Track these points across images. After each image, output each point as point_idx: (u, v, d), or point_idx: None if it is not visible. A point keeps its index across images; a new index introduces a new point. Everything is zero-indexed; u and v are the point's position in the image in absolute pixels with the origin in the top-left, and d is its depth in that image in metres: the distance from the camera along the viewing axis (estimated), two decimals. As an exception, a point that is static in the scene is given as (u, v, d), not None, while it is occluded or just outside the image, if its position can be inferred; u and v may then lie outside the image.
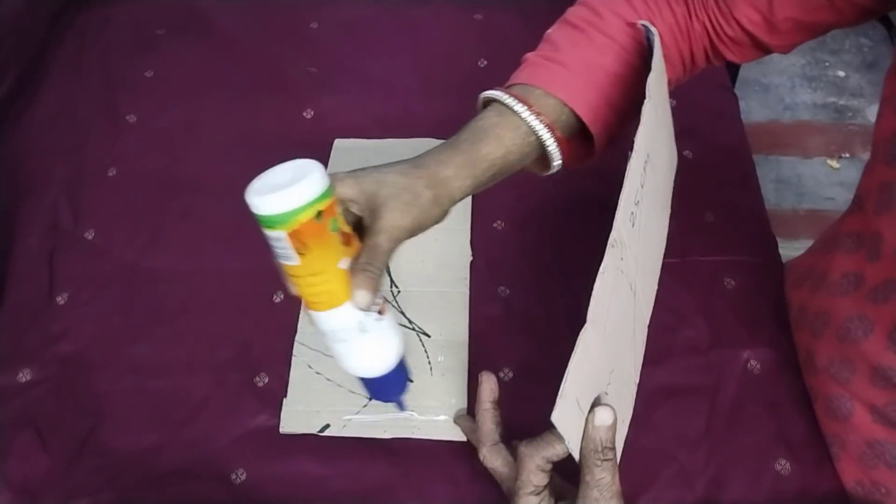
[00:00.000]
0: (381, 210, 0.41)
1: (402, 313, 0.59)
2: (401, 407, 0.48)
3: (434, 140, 0.70)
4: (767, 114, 1.58)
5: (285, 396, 0.55)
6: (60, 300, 0.61)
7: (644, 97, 0.44)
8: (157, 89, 0.76)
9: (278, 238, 0.37)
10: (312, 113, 0.73)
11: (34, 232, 0.65)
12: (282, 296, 0.61)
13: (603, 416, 0.40)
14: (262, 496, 0.51)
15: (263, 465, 0.53)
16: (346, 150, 0.69)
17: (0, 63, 0.74)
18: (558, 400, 0.36)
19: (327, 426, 0.54)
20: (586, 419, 0.40)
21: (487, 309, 0.60)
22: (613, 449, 0.40)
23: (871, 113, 1.58)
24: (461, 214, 0.65)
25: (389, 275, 0.61)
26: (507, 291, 0.61)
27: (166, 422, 0.55)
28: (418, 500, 0.51)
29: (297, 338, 0.58)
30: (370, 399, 0.52)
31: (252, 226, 0.66)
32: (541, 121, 0.46)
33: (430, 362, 0.57)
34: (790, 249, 0.64)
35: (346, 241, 0.39)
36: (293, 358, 0.57)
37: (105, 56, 0.79)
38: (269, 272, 0.62)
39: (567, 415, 0.38)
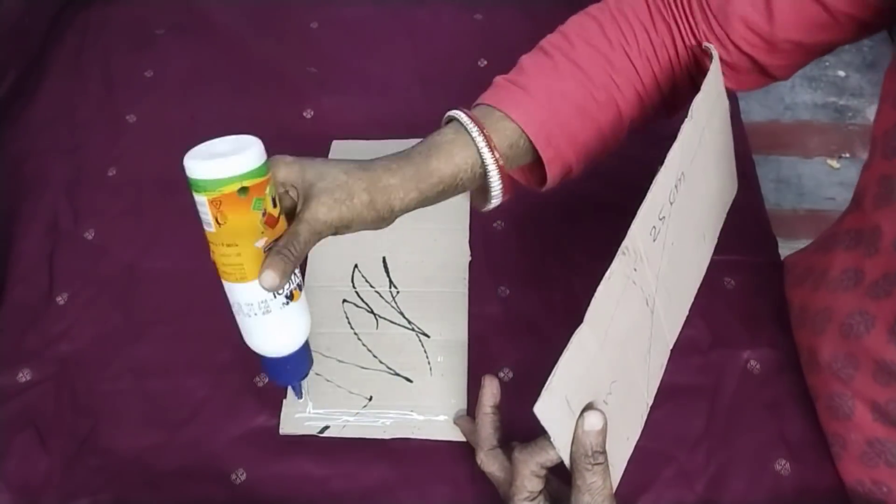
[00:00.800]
0: (312, 201, 0.41)
1: (402, 314, 0.59)
2: (297, 393, 0.49)
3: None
4: (767, 114, 1.58)
5: (285, 397, 0.55)
6: (60, 300, 0.61)
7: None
8: (157, 89, 0.76)
9: (201, 203, 0.39)
10: (312, 113, 0.73)
11: (34, 232, 0.65)
12: (282, 296, 0.61)
13: (592, 421, 0.40)
14: (262, 496, 0.51)
15: (263, 466, 0.53)
16: (344, 151, 0.69)
17: (0, 63, 0.74)
18: (543, 392, 0.36)
19: (327, 427, 0.54)
20: (576, 423, 0.40)
21: (487, 309, 0.60)
22: (604, 453, 0.40)
23: (872, 113, 1.58)
24: (460, 214, 0.65)
25: (388, 275, 0.61)
26: (506, 291, 0.61)
27: (166, 422, 0.55)
28: (418, 500, 0.51)
29: None
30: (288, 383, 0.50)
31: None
32: (488, 145, 0.45)
33: (429, 362, 0.57)
34: (790, 249, 0.64)
35: (271, 222, 0.40)
36: None
37: (105, 56, 0.79)
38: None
39: (553, 410, 0.38)
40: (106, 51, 0.79)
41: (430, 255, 0.62)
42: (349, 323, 0.59)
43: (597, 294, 0.39)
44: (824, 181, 1.48)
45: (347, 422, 0.54)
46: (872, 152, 0.48)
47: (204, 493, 0.51)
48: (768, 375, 0.56)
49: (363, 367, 0.57)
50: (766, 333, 0.58)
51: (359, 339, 0.58)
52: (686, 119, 0.45)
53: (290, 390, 0.55)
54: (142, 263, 0.63)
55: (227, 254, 0.40)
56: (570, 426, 0.40)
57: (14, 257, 0.64)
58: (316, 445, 0.53)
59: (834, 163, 1.51)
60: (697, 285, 0.57)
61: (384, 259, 0.62)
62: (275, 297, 0.41)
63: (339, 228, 0.43)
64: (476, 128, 0.46)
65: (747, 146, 0.71)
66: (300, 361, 0.46)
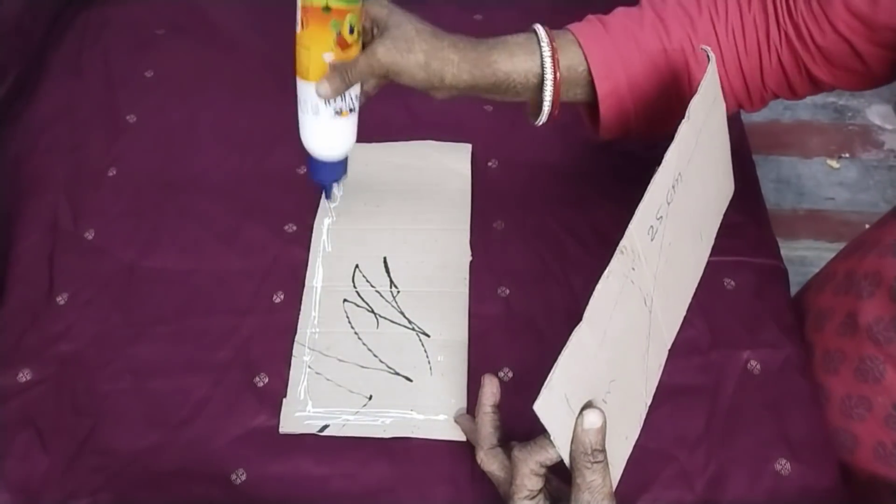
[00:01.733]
0: (377, 40, 0.48)
1: (402, 313, 0.59)
2: (328, 195, 0.57)
3: (434, 141, 0.70)
4: (767, 114, 1.58)
5: (285, 396, 0.55)
6: (60, 300, 0.61)
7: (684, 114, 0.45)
8: (157, 89, 0.76)
9: (298, 5, 0.47)
10: (312, 113, 0.73)
11: (34, 232, 0.65)
12: (282, 295, 0.61)
13: (591, 419, 0.40)
14: (262, 496, 0.51)
15: (263, 466, 0.53)
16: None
17: (0, 63, 0.74)
18: (543, 390, 0.36)
19: (327, 426, 0.54)
20: (575, 422, 0.40)
21: (487, 309, 0.60)
22: (604, 451, 0.40)
23: (871, 113, 1.58)
24: (461, 214, 0.65)
25: (389, 275, 0.61)
26: (506, 291, 0.61)
27: (166, 422, 0.55)
28: (418, 500, 0.51)
29: (296, 338, 0.58)
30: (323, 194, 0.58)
31: (252, 226, 0.66)
32: (552, 56, 0.49)
33: (429, 362, 0.57)
34: (790, 249, 0.64)
35: (342, 45, 0.47)
36: (293, 358, 0.57)
37: (105, 56, 0.79)
38: (269, 272, 0.62)
39: (553, 408, 0.38)
40: (106, 51, 0.79)
41: (431, 255, 0.62)
42: (350, 322, 0.59)
43: (595, 293, 0.39)
44: (824, 181, 1.48)
45: (347, 421, 0.54)
46: None
47: (204, 493, 0.51)
48: (768, 375, 0.56)
49: (363, 367, 0.57)
50: (766, 333, 0.58)
51: (359, 338, 0.58)
52: (683, 120, 0.45)
53: (288, 391, 0.55)
54: (142, 263, 0.63)
55: (302, 54, 0.48)
56: (569, 424, 0.40)
57: (14, 257, 0.64)
58: (316, 445, 0.53)
59: (834, 163, 1.51)
60: (695, 286, 0.57)
61: (385, 259, 0.62)
62: (326, 104, 0.49)
63: (391, 73, 0.49)
64: (546, 39, 0.50)
65: (747, 146, 0.71)
66: (335, 167, 0.54)
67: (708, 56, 0.47)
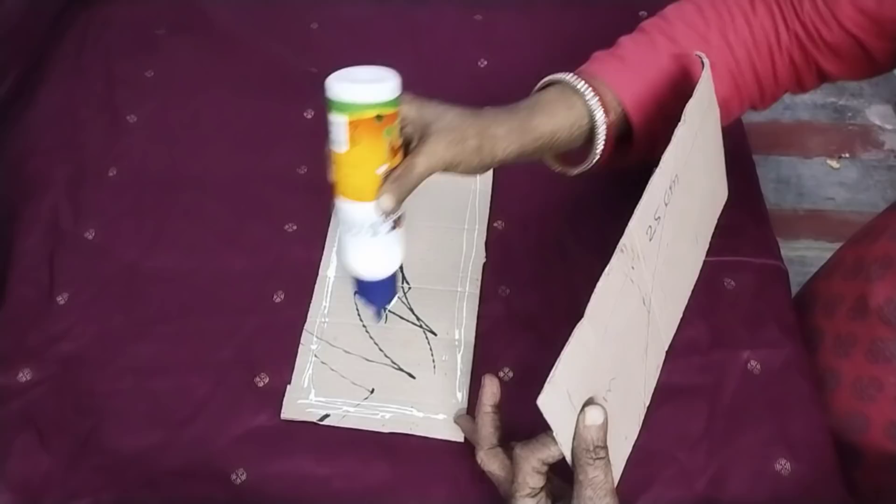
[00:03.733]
0: (429, 138, 0.45)
1: (411, 309, 0.59)
2: (378, 317, 0.53)
3: None
4: (767, 114, 1.58)
5: (289, 383, 0.56)
6: (60, 300, 0.61)
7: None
8: (157, 89, 0.76)
9: (339, 123, 0.42)
10: (313, 113, 0.73)
11: (34, 232, 0.65)
12: (283, 295, 0.61)
13: (594, 416, 0.40)
14: (262, 496, 0.52)
15: (263, 465, 0.53)
16: None
17: (0, 63, 0.74)
18: (546, 385, 0.36)
19: (327, 415, 0.54)
20: (577, 418, 0.40)
21: (488, 309, 0.60)
22: (605, 448, 0.40)
23: (871, 113, 1.58)
24: (477, 215, 0.65)
25: (401, 270, 0.62)
26: (507, 291, 0.61)
27: (167, 422, 0.55)
28: (418, 499, 0.51)
29: (305, 326, 0.59)
30: (357, 296, 0.52)
31: (253, 225, 0.66)
32: (601, 103, 0.48)
33: (433, 360, 0.57)
34: (790, 249, 0.64)
35: (393, 153, 0.44)
36: (300, 346, 0.58)
37: (105, 56, 0.79)
38: (270, 272, 0.62)
39: (556, 404, 0.38)
40: (106, 51, 0.79)
41: (445, 254, 0.62)
42: (358, 315, 0.59)
43: (596, 289, 0.39)
44: (824, 181, 1.48)
45: (348, 412, 0.54)
46: None
47: (204, 493, 0.52)
48: (768, 375, 0.56)
49: (368, 360, 0.57)
50: (766, 333, 0.58)
51: (366, 331, 0.58)
52: (679, 123, 0.46)
53: (293, 377, 0.56)
54: (143, 263, 0.63)
55: (351, 174, 0.43)
56: (571, 420, 0.40)
57: (14, 257, 0.64)
58: (316, 445, 0.53)
59: (834, 163, 1.51)
60: (691, 288, 0.58)
61: None
62: (384, 221, 0.44)
63: (450, 167, 0.46)
64: (588, 87, 0.49)
65: (747, 146, 0.71)
66: (390, 286, 0.49)
67: (702, 62, 0.47)
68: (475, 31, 0.81)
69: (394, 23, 0.81)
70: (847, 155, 1.52)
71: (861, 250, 0.57)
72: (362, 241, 0.45)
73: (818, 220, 1.42)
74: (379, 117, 0.41)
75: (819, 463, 0.52)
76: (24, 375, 0.57)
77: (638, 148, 0.51)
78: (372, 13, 0.82)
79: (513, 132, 0.47)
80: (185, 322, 0.60)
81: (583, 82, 0.49)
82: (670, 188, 0.46)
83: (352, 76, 0.43)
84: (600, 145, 0.49)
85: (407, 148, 0.46)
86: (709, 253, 0.61)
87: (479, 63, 0.77)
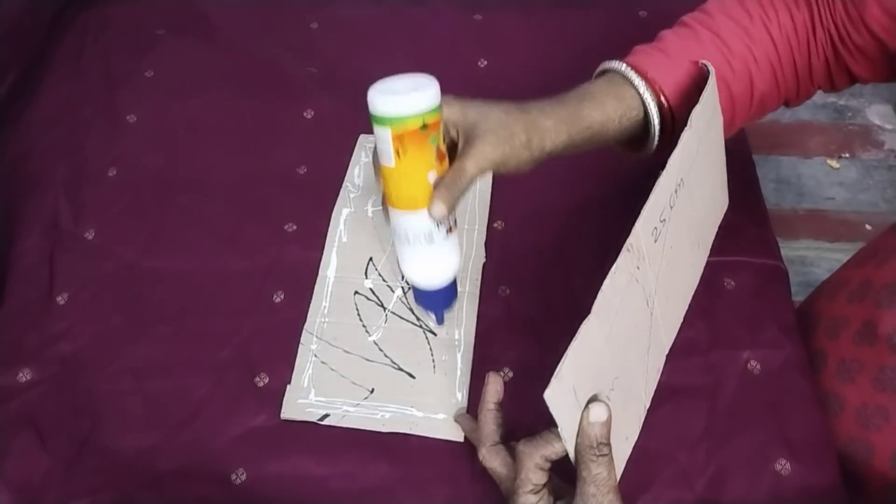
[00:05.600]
0: (476, 139, 0.44)
1: (411, 309, 0.59)
2: (439, 321, 0.52)
3: None
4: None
5: (289, 383, 0.56)
6: (60, 300, 0.61)
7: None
8: (157, 89, 0.76)
9: (384, 137, 0.41)
10: (312, 113, 0.73)
11: (34, 232, 0.65)
12: (282, 295, 0.61)
13: (598, 413, 0.40)
14: (262, 496, 0.51)
15: (263, 465, 0.53)
16: (371, 146, 0.70)
17: (0, 63, 0.74)
18: (553, 379, 0.37)
19: (327, 415, 0.54)
20: (581, 415, 0.40)
21: (488, 309, 0.60)
22: (609, 445, 0.40)
23: (871, 113, 1.58)
24: (477, 215, 0.65)
25: (401, 270, 0.62)
26: (507, 291, 0.61)
27: (166, 422, 0.55)
28: (418, 500, 0.51)
29: (305, 326, 0.59)
30: (417, 302, 0.53)
31: (252, 225, 0.66)
32: (652, 89, 0.48)
33: (433, 360, 0.57)
34: (790, 249, 0.64)
35: (440, 158, 0.43)
36: (300, 346, 0.58)
37: (105, 56, 0.79)
38: (269, 272, 0.62)
39: (561, 399, 0.38)
40: (106, 51, 0.79)
41: None
42: (358, 315, 0.59)
43: (603, 287, 0.39)
44: (824, 181, 1.48)
45: (347, 412, 0.54)
46: None
47: (204, 493, 0.52)
48: (768, 376, 0.56)
49: (368, 360, 0.57)
50: (766, 334, 0.58)
51: (366, 331, 0.58)
52: (685, 128, 0.46)
53: (293, 377, 0.56)
54: (142, 263, 0.63)
55: (402, 185, 0.43)
56: (576, 416, 0.40)
57: (14, 257, 0.64)
58: (316, 445, 0.53)
59: (834, 163, 1.51)
60: (692, 293, 0.58)
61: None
62: (438, 227, 0.44)
63: (500, 165, 0.45)
64: (638, 76, 0.48)
65: (747, 146, 0.71)
66: (451, 290, 0.48)
67: (708, 70, 0.47)
68: (475, 31, 0.80)
69: (394, 23, 0.81)
70: (847, 155, 1.52)
71: (867, 273, 0.56)
72: (420, 249, 0.45)
73: (818, 220, 1.42)
74: (424, 126, 0.41)
75: (819, 463, 0.52)
76: (24, 376, 0.57)
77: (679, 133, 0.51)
78: (372, 13, 0.82)
79: (562, 122, 0.46)
80: (184, 322, 0.60)
81: (634, 73, 0.48)
82: (675, 192, 0.46)
83: (392, 87, 0.42)
84: (656, 133, 0.49)
85: (453, 150, 0.45)
86: (709, 253, 0.61)
87: (479, 63, 0.77)
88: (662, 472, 0.52)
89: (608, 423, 0.40)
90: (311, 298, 0.60)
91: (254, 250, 0.64)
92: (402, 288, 0.61)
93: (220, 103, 0.74)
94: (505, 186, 0.67)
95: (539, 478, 0.42)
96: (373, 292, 0.60)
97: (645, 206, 0.43)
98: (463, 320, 0.59)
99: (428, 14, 0.82)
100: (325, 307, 0.60)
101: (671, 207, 0.46)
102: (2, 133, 0.73)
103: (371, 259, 0.62)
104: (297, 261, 0.63)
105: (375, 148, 0.43)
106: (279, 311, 0.60)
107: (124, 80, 0.77)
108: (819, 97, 1.60)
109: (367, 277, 0.61)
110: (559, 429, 0.39)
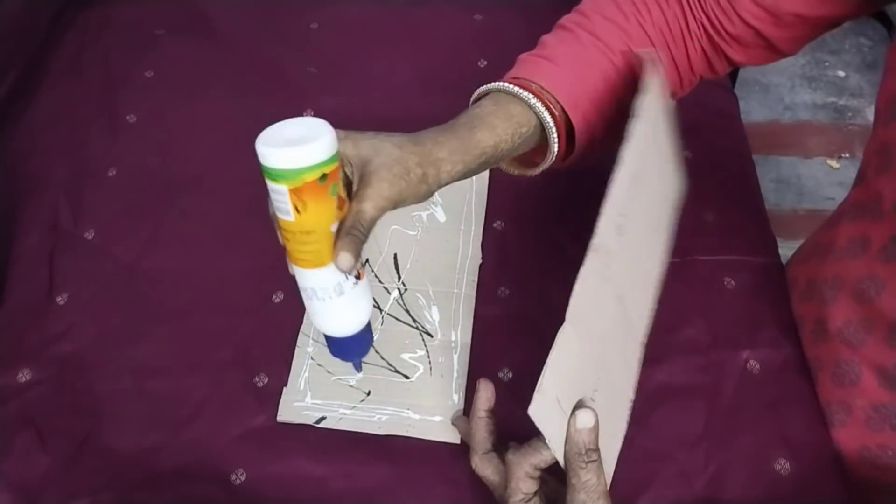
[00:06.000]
0: (371, 178, 0.41)
1: (408, 311, 0.59)
2: (357, 368, 0.49)
3: None
4: (767, 114, 1.58)
5: (285, 385, 0.56)
6: (60, 300, 0.61)
7: (631, 112, 0.45)
8: (157, 89, 0.76)
9: (280, 192, 0.38)
10: (313, 113, 0.73)
11: (34, 232, 0.65)
12: (282, 295, 0.61)
13: (584, 419, 0.40)
14: (261, 496, 0.51)
15: (263, 466, 0.53)
16: None
17: (0, 63, 0.74)
18: (535, 394, 0.36)
19: (323, 418, 0.54)
20: (568, 422, 0.40)
21: (487, 309, 0.60)
22: (597, 450, 0.40)
23: (871, 113, 1.58)
24: (473, 216, 0.65)
25: (398, 272, 0.62)
26: (506, 292, 0.61)
27: (166, 422, 0.55)
28: (418, 500, 0.51)
29: (302, 328, 0.59)
30: (336, 356, 0.50)
31: (252, 226, 0.66)
32: (543, 104, 0.47)
33: (430, 362, 0.57)
34: (790, 249, 0.64)
35: (341, 205, 0.40)
36: (296, 349, 0.58)
37: (105, 56, 0.79)
38: (269, 272, 0.62)
39: (546, 412, 0.38)
40: (106, 51, 0.79)
41: (441, 256, 0.62)
42: None
43: (574, 293, 0.39)
44: (824, 181, 1.48)
45: (344, 414, 0.54)
46: (875, 125, 0.49)
47: (204, 493, 0.51)
48: (768, 375, 0.56)
49: (364, 362, 0.57)
50: (766, 333, 0.58)
51: None
52: (633, 118, 0.45)
53: (289, 380, 0.56)
54: (142, 263, 0.63)
55: (305, 241, 0.40)
56: (562, 425, 0.40)
57: (14, 257, 0.64)
58: (316, 445, 0.53)
59: (833, 163, 1.51)
60: (660, 282, 0.57)
61: (395, 256, 0.63)
62: (347, 277, 0.41)
63: (398, 203, 0.43)
64: (527, 92, 0.47)
65: (747, 146, 0.71)
66: (366, 336, 0.46)
67: (651, 56, 0.48)
68: (475, 31, 0.81)
69: (394, 23, 0.81)
70: (847, 155, 1.52)
71: (811, 270, 0.57)
72: (330, 303, 0.42)
73: (818, 221, 1.41)
74: (323, 177, 0.38)
75: (818, 463, 0.52)
76: (24, 376, 0.57)
77: (580, 145, 0.51)
78: (372, 13, 0.82)
79: (455, 153, 0.45)
80: (184, 322, 0.60)
81: (519, 88, 0.47)
82: (632, 184, 0.46)
83: (283, 136, 0.39)
84: (554, 144, 0.49)
85: (349, 187, 0.43)
86: (709, 253, 0.61)
87: (478, 63, 0.77)
88: (662, 471, 0.52)
89: (595, 429, 0.40)
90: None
91: (253, 250, 0.64)
92: (399, 290, 0.61)
93: (220, 103, 0.74)
94: (505, 186, 0.67)
95: (529, 486, 0.42)
96: None
97: (604, 204, 0.42)
98: (460, 322, 0.59)
99: (428, 14, 0.82)
100: None
101: (630, 200, 0.46)
102: (2, 133, 0.73)
103: (367, 261, 0.62)
104: (297, 261, 0.63)
105: (270, 201, 0.40)
106: (279, 311, 0.60)
107: (124, 80, 0.77)
108: (819, 97, 1.61)
109: None
110: (547, 440, 0.39)
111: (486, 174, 0.67)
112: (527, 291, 0.61)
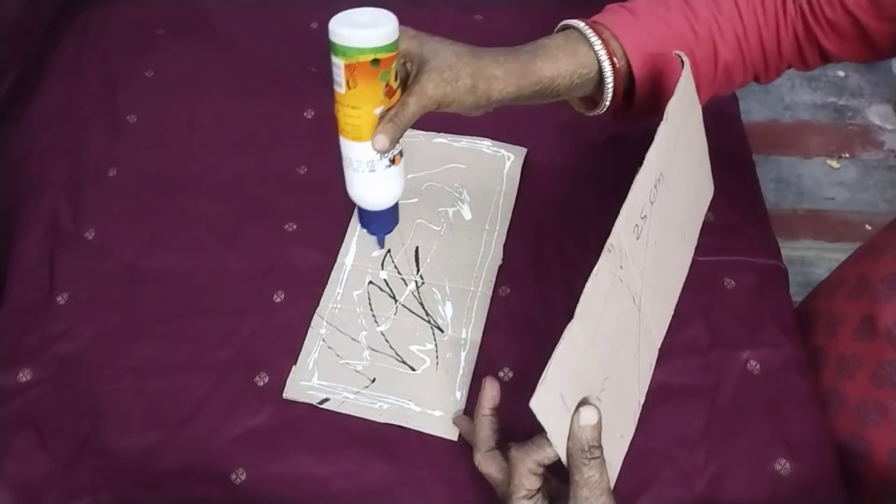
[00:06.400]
0: (422, 76, 0.45)
1: (422, 305, 0.60)
2: (380, 245, 0.55)
3: (436, 134, 0.70)
4: (767, 114, 1.58)
5: (294, 364, 0.56)
6: (60, 300, 0.61)
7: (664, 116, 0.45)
8: (157, 89, 0.76)
9: (337, 65, 0.43)
10: (313, 113, 0.73)
11: (34, 232, 0.65)
12: (282, 295, 0.61)
13: (588, 416, 0.40)
14: (261, 496, 0.51)
15: (263, 465, 0.53)
16: None
17: (0, 63, 0.74)
18: (539, 387, 0.37)
19: (327, 399, 0.55)
20: (572, 419, 0.40)
21: (488, 309, 0.60)
22: (600, 448, 0.40)
23: (871, 113, 1.58)
24: (500, 217, 0.65)
25: (417, 265, 0.62)
26: (507, 291, 0.61)
27: (166, 421, 0.55)
28: (418, 500, 0.51)
29: (317, 310, 0.59)
30: (366, 230, 0.54)
31: (252, 225, 0.66)
32: (606, 49, 0.48)
33: (438, 357, 0.57)
34: (790, 249, 0.64)
35: (390, 94, 0.44)
36: (310, 329, 0.58)
37: (105, 56, 0.79)
38: (269, 272, 0.62)
39: (549, 405, 0.38)
40: (106, 51, 0.79)
41: (462, 253, 0.63)
42: (370, 304, 0.60)
43: (585, 290, 0.39)
44: (824, 181, 1.48)
45: (347, 398, 0.55)
46: None
47: (203, 492, 0.52)
48: (768, 375, 0.56)
49: (373, 350, 0.57)
50: (766, 333, 0.58)
51: (375, 321, 0.59)
52: (661, 122, 0.46)
53: (299, 359, 0.57)
54: (142, 263, 0.63)
55: (350, 115, 0.44)
56: (565, 421, 0.40)
57: (14, 257, 0.64)
58: (316, 445, 0.53)
59: (834, 163, 1.51)
60: (681, 286, 0.58)
61: (417, 249, 0.63)
62: (381, 158, 0.46)
63: (442, 105, 0.46)
64: (597, 36, 0.49)
65: (747, 146, 0.71)
66: (390, 217, 0.51)
67: (682, 60, 0.48)
68: (475, 31, 0.80)
69: (393, 23, 0.81)
70: (847, 155, 1.52)
71: (864, 268, 0.56)
72: (363, 176, 0.47)
73: (818, 220, 1.42)
74: (375, 61, 0.42)
75: (818, 463, 0.52)
76: (24, 375, 0.57)
77: (640, 105, 0.51)
78: (372, 13, 0.82)
79: (511, 74, 0.47)
80: (184, 322, 0.60)
81: (592, 31, 0.49)
82: (655, 187, 0.47)
83: (353, 20, 0.43)
84: (609, 93, 0.49)
85: (406, 84, 0.46)
86: (709, 253, 0.61)
87: (478, 63, 0.77)
88: (662, 471, 0.52)
89: (598, 426, 0.40)
90: (312, 296, 0.60)
91: (254, 250, 0.64)
92: (416, 282, 0.61)
93: (220, 103, 0.74)
94: (505, 186, 0.67)
95: (532, 483, 0.42)
96: (387, 283, 0.61)
97: (624, 205, 0.43)
98: (472, 320, 0.59)
99: (428, 14, 0.82)
100: (338, 294, 0.60)
101: (652, 203, 0.46)
102: (2, 133, 0.73)
103: (389, 251, 0.63)
104: (298, 260, 0.63)
105: (332, 73, 0.44)
106: (279, 311, 0.60)
107: (124, 80, 0.77)
108: (819, 97, 1.61)
109: (382, 269, 0.62)
110: (549, 435, 0.39)
111: (516, 176, 0.67)
112: (527, 291, 0.61)
